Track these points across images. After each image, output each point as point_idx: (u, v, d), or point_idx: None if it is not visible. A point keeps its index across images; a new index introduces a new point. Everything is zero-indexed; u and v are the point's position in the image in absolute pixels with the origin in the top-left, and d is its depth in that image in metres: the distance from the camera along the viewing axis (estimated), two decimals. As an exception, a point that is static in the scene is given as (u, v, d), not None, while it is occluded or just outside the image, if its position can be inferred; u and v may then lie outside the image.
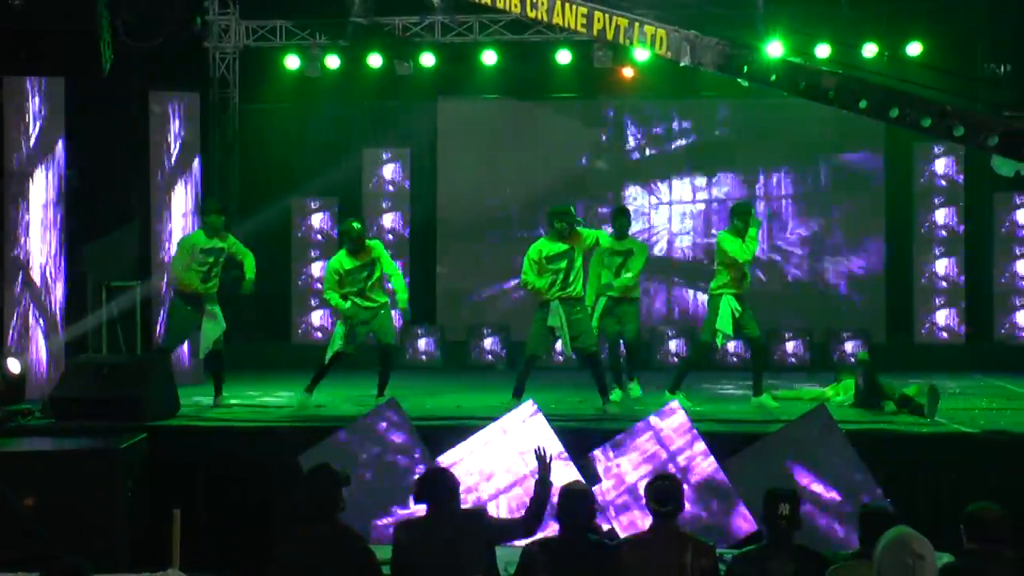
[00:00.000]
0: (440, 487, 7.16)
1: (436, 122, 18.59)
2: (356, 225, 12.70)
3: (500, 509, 9.75)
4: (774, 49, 14.76)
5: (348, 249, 12.57)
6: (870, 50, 16.68)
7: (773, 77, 11.52)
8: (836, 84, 11.10)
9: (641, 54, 16.82)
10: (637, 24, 11.82)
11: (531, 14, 12.18)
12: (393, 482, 10.06)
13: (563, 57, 17.45)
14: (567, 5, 11.97)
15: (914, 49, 16.76)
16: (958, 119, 10.70)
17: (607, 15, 11.82)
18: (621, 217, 13.30)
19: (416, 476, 8.26)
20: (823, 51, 16.27)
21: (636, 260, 12.94)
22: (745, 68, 11.51)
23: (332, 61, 17.63)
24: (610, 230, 13.17)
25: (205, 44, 17.69)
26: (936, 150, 17.33)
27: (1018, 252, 17.17)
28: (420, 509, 7.25)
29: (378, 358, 12.94)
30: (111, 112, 15.72)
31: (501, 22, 17.38)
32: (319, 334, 17.83)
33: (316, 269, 17.92)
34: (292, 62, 17.77)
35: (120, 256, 15.97)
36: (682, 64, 11.98)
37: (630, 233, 13.44)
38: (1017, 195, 17.12)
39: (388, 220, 17.97)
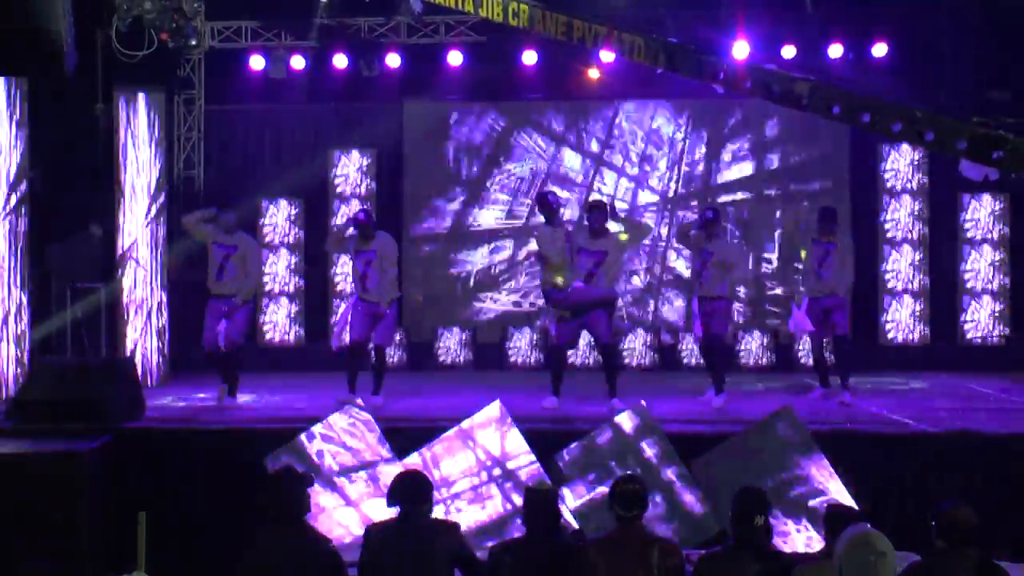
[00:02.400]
0: (412, 490, 7.15)
1: (402, 123, 18.57)
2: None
3: (466, 509, 9.76)
4: (739, 49, 14.85)
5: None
6: (835, 51, 16.76)
7: (748, 83, 11.67)
8: (809, 90, 11.24)
9: (607, 54, 16.85)
10: (616, 32, 11.96)
11: (512, 22, 12.33)
12: (358, 484, 10.06)
13: (529, 58, 17.44)
14: (547, 15, 12.11)
15: (879, 50, 16.83)
16: (927, 125, 10.83)
17: (586, 24, 11.98)
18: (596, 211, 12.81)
19: (385, 478, 8.26)
20: (788, 52, 16.37)
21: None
22: (720, 75, 11.65)
23: (297, 62, 17.58)
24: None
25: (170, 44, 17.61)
26: (902, 150, 17.38)
27: (981, 253, 17.25)
28: (392, 511, 7.23)
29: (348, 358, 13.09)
30: (75, 112, 15.64)
31: (467, 23, 17.36)
32: (285, 336, 17.82)
33: (281, 270, 17.88)
34: (257, 63, 17.71)
35: (84, 257, 15.89)
36: (659, 71, 12.13)
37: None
38: (980, 196, 17.19)
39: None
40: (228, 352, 13.20)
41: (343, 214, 16.96)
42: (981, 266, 17.21)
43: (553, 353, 12.95)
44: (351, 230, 13.24)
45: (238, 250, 13.21)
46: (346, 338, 13.23)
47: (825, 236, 13.38)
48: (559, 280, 12.33)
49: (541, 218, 13.01)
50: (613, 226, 12.72)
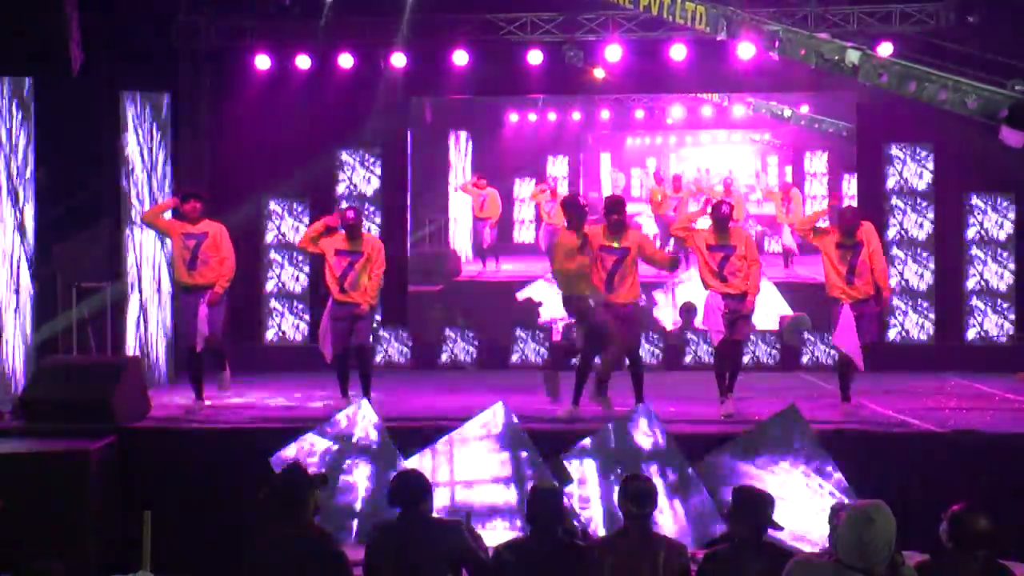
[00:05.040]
0: (413, 489, 7.15)
1: (407, 122, 18.58)
2: None
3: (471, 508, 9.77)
4: (745, 50, 14.87)
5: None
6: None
7: (802, 51, 12.10)
8: (860, 59, 11.68)
9: (612, 54, 16.87)
10: (679, 1, 12.36)
11: None
12: (364, 483, 10.08)
13: (534, 58, 17.44)
14: None
15: (885, 50, 16.81)
16: (971, 93, 11.18)
17: None
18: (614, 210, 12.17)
19: (389, 477, 8.26)
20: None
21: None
22: (776, 43, 12.00)
23: (303, 61, 17.59)
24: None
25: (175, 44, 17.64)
26: (906, 153, 17.37)
27: (987, 254, 17.22)
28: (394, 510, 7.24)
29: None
30: (81, 112, 15.65)
31: (472, 23, 17.40)
32: (289, 336, 17.83)
33: (286, 270, 17.88)
34: (263, 62, 17.72)
35: (90, 257, 15.90)
36: (719, 38, 12.53)
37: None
38: (985, 197, 17.16)
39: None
40: (213, 350, 12.87)
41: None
42: (987, 267, 17.18)
43: (580, 365, 12.26)
44: (334, 228, 12.72)
45: (208, 237, 12.68)
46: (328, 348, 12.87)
47: (849, 239, 12.17)
48: (580, 288, 12.03)
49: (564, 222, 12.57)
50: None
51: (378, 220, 17.94)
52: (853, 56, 11.87)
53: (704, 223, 12.68)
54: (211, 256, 12.71)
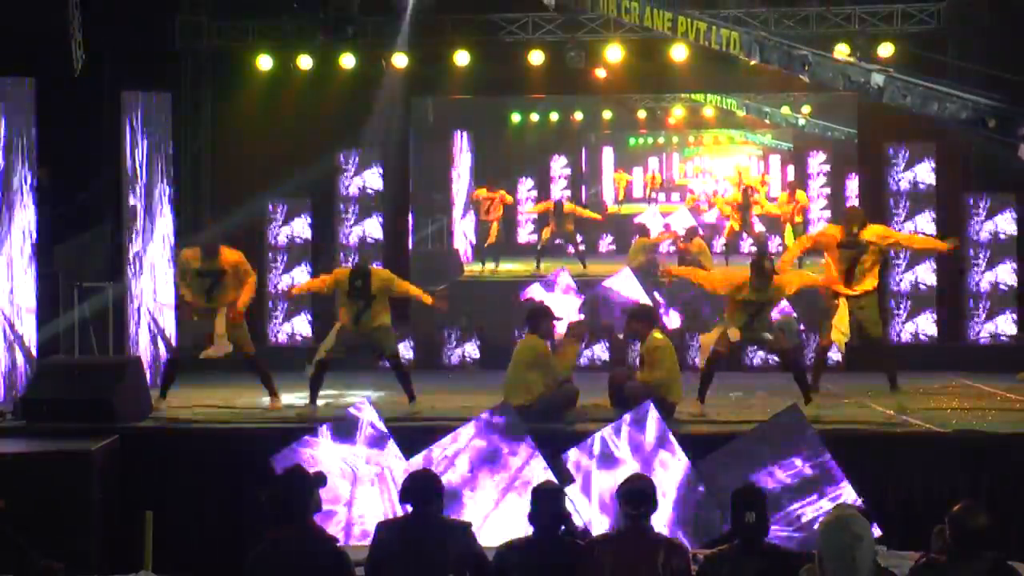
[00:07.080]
0: (424, 489, 7.14)
1: (409, 122, 18.56)
2: None
3: (472, 508, 9.77)
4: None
5: None
6: (841, 51, 16.74)
7: (830, 75, 12.53)
8: (884, 80, 12.17)
9: (614, 54, 16.87)
10: (714, 28, 12.85)
11: (624, 17, 14.08)
12: (367, 483, 10.07)
13: (536, 58, 17.43)
14: (655, 11, 13.63)
15: (885, 50, 16.82)
16: (990, 112, 11.51)
17: (689, 19, 13.13)
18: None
19: (392, 477, 8.27)
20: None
21: None
22: (806, 67, 12.42)
23: (305, 62, 17.58)
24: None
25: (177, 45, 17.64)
26: (907, 153, 17.35)
27: (988, 254, 17.19)
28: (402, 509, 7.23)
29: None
30: (83, 112, 15.67)
31: (474, 23, 17.40)
32: (294, 337, 17.82)
33: (298, 272, 17.85)
34: (265, 63, 17.72)
35: (92, 257, 15.92)
36: (752, 63, 13.43)
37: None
38: (985, 197, 17.13)
39: (361, 221, 17.91)
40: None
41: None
42: (988, 267, 17.15)
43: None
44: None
45: (224, 276, 12.76)
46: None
47: (852, 238, 13.06)
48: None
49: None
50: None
51: (380, 220, 17.92)
52: (878, 79, 12.41)
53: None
54: (231, 286, 12.78)
